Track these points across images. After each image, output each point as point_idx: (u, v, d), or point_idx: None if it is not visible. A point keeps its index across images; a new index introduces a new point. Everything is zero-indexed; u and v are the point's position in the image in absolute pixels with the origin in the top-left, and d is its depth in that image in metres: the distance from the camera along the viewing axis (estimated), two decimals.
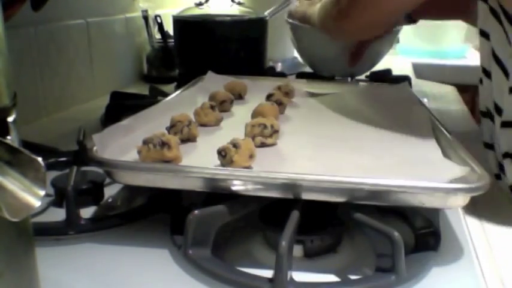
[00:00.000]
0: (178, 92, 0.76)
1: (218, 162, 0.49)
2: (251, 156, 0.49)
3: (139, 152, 0.49)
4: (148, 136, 0.50)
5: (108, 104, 0.84)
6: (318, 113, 0.74)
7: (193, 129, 0.58)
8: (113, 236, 0.47)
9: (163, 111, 0.64)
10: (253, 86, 0.83)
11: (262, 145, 0.56)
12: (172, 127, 0.57)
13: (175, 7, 1.16)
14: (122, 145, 0.52)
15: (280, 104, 0.69)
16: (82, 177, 0.54)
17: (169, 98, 0.72)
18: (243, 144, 0.48)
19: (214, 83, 0.82)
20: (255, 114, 0.64)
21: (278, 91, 0.75)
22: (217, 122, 0.65)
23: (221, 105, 0.70)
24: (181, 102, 0.71)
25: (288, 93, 0.77)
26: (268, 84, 0.82)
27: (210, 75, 0.85)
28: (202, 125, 0.63)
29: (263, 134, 0.56)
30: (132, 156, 0.50)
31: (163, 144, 0.48)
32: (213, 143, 0.53)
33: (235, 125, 0.65)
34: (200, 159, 0.51)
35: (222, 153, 0.48)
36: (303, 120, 0.70)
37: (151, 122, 0.60)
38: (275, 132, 0.57)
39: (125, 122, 0.56)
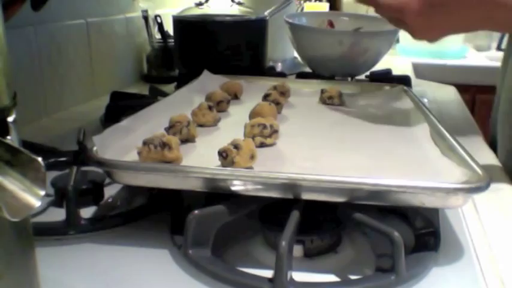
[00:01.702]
0: (175, 92, 0.76)
1: (219, 162, 0.49)
2: (252, 157, 0.49)
3: (139, 153, 0.49)
4: (149, 137, 0.50)
5: (108, 104, 0.84)
6: (314, 112, 0.74)
7: (192, 129, 0.58)
8: (113, 236, 0.47)
9: (161, 111, 0.64)
10: (248, 86, 0.83)
11: (262, 145, 0.56)
12: (171, 127, 0.57)
13: (175, 7, 1.16)
14: (121, 146, 0.52)
15: (278, 104, 0.70)
16: (82, 177, 0.54)
17: (166, 98, 0.72)
18: (244, 145, 0.48)
19: (209, 83, 0.82)
20: (253, 114, 0.64)
21: (274, 91, 0.75)
22: (215, 122, 0.65)
23: (218, 105, 0.70)
24: (178, 102, 0.71)
25: (284, 93, 0.77)
26: (263, 84, 0.82)
27: (206, 74, 0.86)
28: (200, 125, 0.64)
29: (262, 134, 0.56)
30: (132, 157, 0.50)
31: (164, 145, 0.48)
32: (212, 143, 0.53)
33: (232, 125, 0.65)
34: (200, 160, 0.51)
35: (223, 155, 0.48)
36: (301, 120, 0.70)
37: (149, 123, 0.60)
38: (274, 132, 0.57)
39: (124, 123, 0.56)
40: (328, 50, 1.01)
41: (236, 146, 0.48)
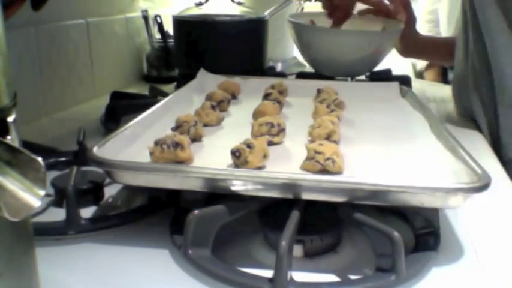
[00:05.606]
0: (174, 93, 0.76)
1: (229, 161, 0.49)
2: (265, 156, 0.49)
3: (151, 153, 0.49)
4: (160, 137, 0.49)
5: (108, 104, 0.84)
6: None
7: (200, 129, 0.58)
8: (113, 236, 0.47)
9: (163, 113, 0.64)
10: (244, 85, 0.83)
11: (269, 144, 0.56)
12: (178, 127, 0.57)
13: (175, 7, 1.16)
14: (130, 153, 0.51)
15: (279, 103, 0.70)
16: (82, 177, 0.54)
17: (165, 99, 0.72)
18: (257, 145, 0.48)
19: (208, 82, 0.82)
20: (257, 113, 0.64)
21: (274, 90, 0.75)
22: (218, 122, 0.65)
23: (218, 105, 0.70)
24: (179, 103, 0.71)
25: (282, 92, 0.77)
26: (259, 83, 0.82)
27: (202, 73, 0.86)
28: (204, 125, 0.64)
29: (270, 133, 0.56)
30: (143, 159, 0.50)
31: (177, 144, 0.48)
32: (218, 142, 0.53)
33: (235, 124, 0.66)
34: (210, 159, 0.51)
35: (236, 154, 0.48)
36: (301, 119, 0.70)
37: (153, 126, 0.60)
38: (282, 130, 0.57)
39: (128, 131, 0.56)
40: (331, 49, 1.00)
41: (249, 145, 0.48)
